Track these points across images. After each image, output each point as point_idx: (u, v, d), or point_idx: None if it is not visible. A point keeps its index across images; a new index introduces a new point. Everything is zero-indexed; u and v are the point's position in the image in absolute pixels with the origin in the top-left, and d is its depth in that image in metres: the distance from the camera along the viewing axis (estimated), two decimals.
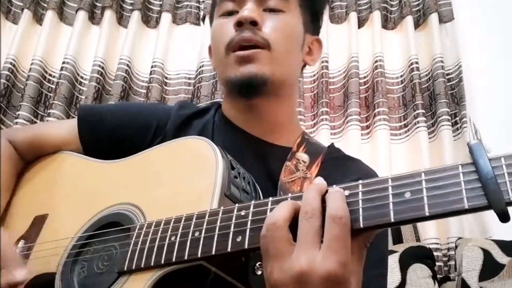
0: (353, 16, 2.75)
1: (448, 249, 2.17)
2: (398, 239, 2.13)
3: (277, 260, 0.62)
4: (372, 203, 0.61)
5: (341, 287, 0.59)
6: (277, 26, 1.03)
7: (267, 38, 1.01)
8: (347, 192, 0.64)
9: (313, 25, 1.15)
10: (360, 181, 0.64)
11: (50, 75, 2.71)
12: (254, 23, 1.00)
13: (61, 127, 1.18)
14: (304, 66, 1.16)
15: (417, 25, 2.75)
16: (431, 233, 2.20)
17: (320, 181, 0.67)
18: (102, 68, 2.68)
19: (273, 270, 0.62)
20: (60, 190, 1.06)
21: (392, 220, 0.59)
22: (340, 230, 0.60)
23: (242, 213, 0.70)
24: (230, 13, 1.06)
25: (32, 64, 2.63)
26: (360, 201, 0.62)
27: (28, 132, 1.18)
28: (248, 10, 1.01)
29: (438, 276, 1.98)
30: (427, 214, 0.57)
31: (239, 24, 1.01)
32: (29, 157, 1.14)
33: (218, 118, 1.13)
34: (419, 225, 2.20)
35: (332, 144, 1.15)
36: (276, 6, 1.05)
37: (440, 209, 0.57)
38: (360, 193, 0.63)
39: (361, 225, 0.61)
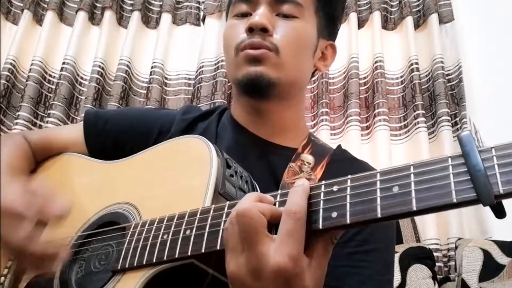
0: (353, 16, 2.75)
1: (448, 249, 2.17)
2: (398, 240, 2.13)
3: (234, 253, 0.63)
4: (359, 198, 0.60)
5: (291, 280, 0.60)
6: (288, 32, 1.02)
7: (276, 44, 1.00)
8: (335, 188, 0.63)
9: (328, 30, 1.13)
10: (349, 176, 0.63)
11: (50, 75, 2.72)
12: (265, 30, 1.00)
13: (68, 131, 1.21)
14: (315, 71, 1.15)
15: (417, 25, 2.75)
16: (431, 233, 2.20)
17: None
18: (102, 68, 2.69)
19: (230, 262, 0.64)
20: (63, 190, 1.06)
21: (379, 215, 0.57)
22: (293, 224, 0.60)
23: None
24: (243, 15, 1.06)
25: (32, 64, 2.64)
26: (348, 196, 0.61)
27: (40, 134, 1.20)
28: (260, 16, 1.00)
29: (438, 276, 1.97)
30: (414, 208, 0.55)
31: (250, 30, 1.00)
32: (40, 158, 1.16)
33: (225, 119, 1.13)
34: (419, 225, 2.20)
35: (339, 146, 1.14)
36: (289, 12, 1.03)
37: (427, 203, 0.55)
38: (348, 188, 0.62)
39: (348, 221, 0.59)
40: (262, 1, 1.03)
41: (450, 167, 0.56)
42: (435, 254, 2.07)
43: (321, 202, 0.63)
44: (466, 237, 2.12)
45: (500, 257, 1.82)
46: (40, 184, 0.90)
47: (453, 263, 2.06)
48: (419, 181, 0.57)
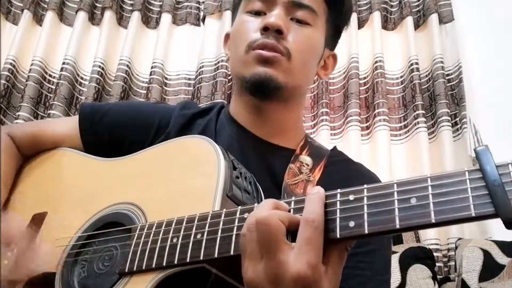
0: (353, 16, 2.74)
1: (448, 249, 2.17)
2: (398, 240, 2.13)
3: (253, 260, 0.64)
4: (377, 208, 0.60)
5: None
6: (301, 39, 1.03)
7: (289, 48, 1.00)
8: (352, 197, 0.63)
9: (333, 40, 1.15)
10: (366, 186, 0.63)
11: (50, 75, 2.72)
12: (279, 32, 1.00)
13: (62, 124, 1.18)
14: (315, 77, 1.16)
15: (417, 25, 2.76)
16: (431, 233, 2.20)
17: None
18: (102, 68, 2.68)
19: (248, 269, 0.64)
20: (59, 188, 1.06)
21: (398, 226, 0.58)
22: (312, 233, 0.61)
23: (245, 216, 0.69)
24: (257, 13, 1.06)
25: (32, 64, 2.64)
26: (365, 206, 0.61)
27: (28, 128, 1.19)
28: (276, 17, 1.00)
29: (438, 276, 1.98)
30: (433, 221, 0.56)
31: (265, 29, 1.00)
32: (29, 153, 1.14)
33: (223, 117, 1.13)
34: None
35: (335, 147, 1.15)
36: (304, 18, 1.04)
37: (446, 216, 0.56)
38: (365, 198, 0.62)
39: (366, 231, 0.60)
40: (278, 2, 1.04)
41: (468, 181, 0.57)
42: (435, 254, 2.07)
43: (338, 211, 0.63)
44: (466, 237, 2.12)
45: (500, 257, 1.83)
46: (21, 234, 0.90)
47: (453, 263, 2.06)
48: (437, 193, 0.57)
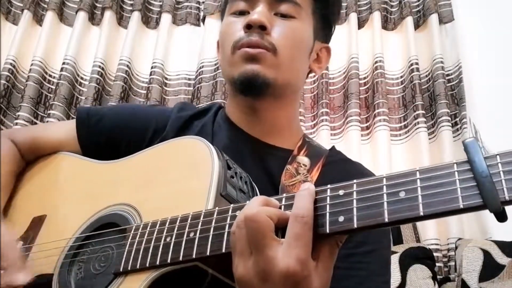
0: (353, 16, 2.75)
1: (448, 249, 2.17)
2: (398, 240, 2.13)
3: (242, 257, 0.64)
4: (366, 202, 0.60)
5: (299, 283, 0.60)
6: (285, 32, 1.02)
7: (274, 43, 1.00)
8: (341, 192, 0.63)
9: (324, 32, 1.14)
10: (355, 181, 0.63)
11: (50, 75, 2.72)
12: (263, 28, 1.00)
13: (60, 129, 1.19)
14: (310, 72, 1.15)
15: (417, 25, 2.76)
16: (431, 233, 2.20)
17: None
18: (102, 69, 2.69)
19: (238, 265, 0.64)
20: (58, 191, 1.07)
21: (386, 220, 0.58)
22: (301, 228, 0.61)
23: (237, 213, 0.69)
24: (241, 13, 1.06)
25: (32, 64, 2.64)
26: (355, 201, 0.61)
27: (28, 133, 1.19)
28: (258, 14, 1.00)
29: (438, 276, 1.98)
30: (421, 214, 0.56)
31: (248, 27, 1.00)
32: (30, 157, 1.15)
33: (220, 118, 1.13)
34: (419, 225, 2.20)
35: (333, 147, 1.14)
36: (287, 12, 1.04)
37: (434, 209, 0.56)
38: (354, 193, 0.62)
39: (355, 225, 0.60)
40: (261, 0, 1.03)
41: (456, 173, 0.56)
42: (435, 254, 2.07)
43: (328, 206, 0.63)
44: (466, 237, 2.12)
45: (500, 257, 1.83)
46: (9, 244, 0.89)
47: (453, 263, 2.06)
48: (426, 186, 0.57)
